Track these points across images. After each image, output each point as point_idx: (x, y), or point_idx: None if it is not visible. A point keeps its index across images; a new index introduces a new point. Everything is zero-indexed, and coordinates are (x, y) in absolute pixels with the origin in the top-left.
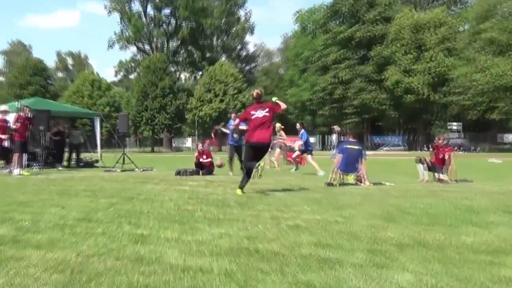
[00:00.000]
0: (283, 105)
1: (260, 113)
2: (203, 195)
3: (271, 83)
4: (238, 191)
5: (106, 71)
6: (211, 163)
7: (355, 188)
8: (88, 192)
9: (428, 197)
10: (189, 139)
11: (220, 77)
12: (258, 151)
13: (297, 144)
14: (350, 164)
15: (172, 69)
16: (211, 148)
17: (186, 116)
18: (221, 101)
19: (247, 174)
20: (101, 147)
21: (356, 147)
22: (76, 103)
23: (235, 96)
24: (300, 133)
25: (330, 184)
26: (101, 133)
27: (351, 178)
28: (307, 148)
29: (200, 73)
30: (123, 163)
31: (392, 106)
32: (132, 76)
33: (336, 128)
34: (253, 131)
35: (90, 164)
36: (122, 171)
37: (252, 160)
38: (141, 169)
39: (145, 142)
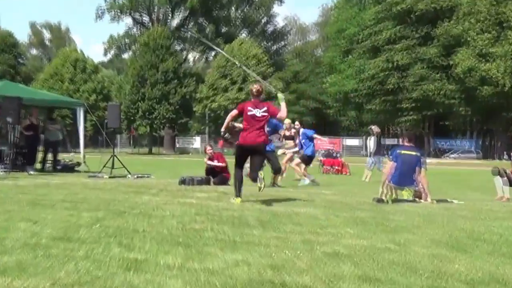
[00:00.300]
0: (284, 112)
1: (258, 112)
2: (214, 211)
3: (305, 67)
4: (237, 200)
5: (92, 48)
6: (226, 169)
7: (413, 206)
8: (67, 203)
9: (508, 220)
10: (198, 139)
11: (240, 58)
12: (255, 155)
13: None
14: (405, 175)
15: (178, 48)
16: (225, 151)
17: (194, 109)
18: (240, 89)
19: (241, 181)
20: (85, 146)
21: (414, 154)
22: (54, 89)
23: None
24: (301, 132)
25: (380, 201)
26: (85, 128)
27: (407, 193)
28: (306, 152)
29: (214, 53)
30: (112, 167)
31: (462, 101)
32: (126, 56)
33: (375, 128)
34: (247, 131)
35: (70, 168)
36: (110, 177)
37: (241, 167)
38: (135, 176)
39: (141, 141)
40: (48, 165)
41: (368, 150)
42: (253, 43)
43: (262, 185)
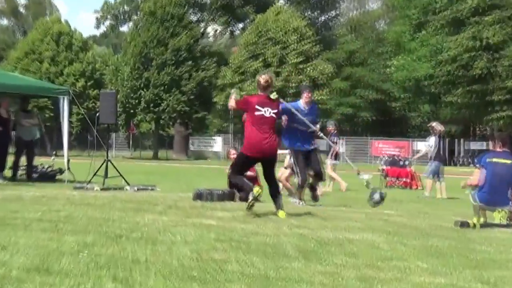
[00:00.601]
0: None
1: (267, 112)
2: (240, 236)
3: (362, 46)
4: (256, 189)
5: (81, 18)
6: (256, 180)
7: (507, 233)
8: (45, 223)
9: None
10: (218, 139)
11: (276, 33)
12: (267, 167)
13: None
14: (497, 191)
15: (193, 18)
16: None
17: (214, 99)
18: (276, 74)
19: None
20: (70, 148)
21: (509, 162)
22: (29, 72)
23: (300, 67)
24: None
25: (463, 224)
26: (71, 124)
27: (499, 215)
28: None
29: (241, 25)
30: (106, 175)
31: None
32: (124, 29)
33: (437, 126)
34: (254, 135)
35: (50, 176)
36: (103, 189)
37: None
38: (136, 188)
39: (144, 141)
40: (21, 172)
41: (428, 154)
42: (294, 13)
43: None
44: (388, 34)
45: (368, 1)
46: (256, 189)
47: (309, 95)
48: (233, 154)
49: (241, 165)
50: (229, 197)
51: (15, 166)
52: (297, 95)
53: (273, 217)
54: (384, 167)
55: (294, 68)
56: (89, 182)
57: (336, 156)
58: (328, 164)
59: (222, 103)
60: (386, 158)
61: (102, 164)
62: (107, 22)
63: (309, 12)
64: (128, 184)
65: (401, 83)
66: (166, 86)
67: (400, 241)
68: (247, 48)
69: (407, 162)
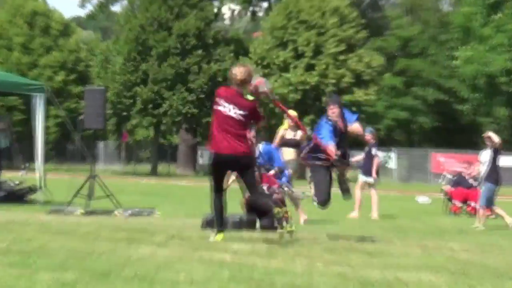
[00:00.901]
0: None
1: (234, 111)
2: (261, 274)
3: (421, 32)
4: (218, 237)
5: None
6: (283, 204)
7: None
8: (14, 255)
9: None
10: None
11: (310, 15)
12: (239, 170)
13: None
14: None
15: None
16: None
17: None
18: (310, 67)
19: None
20: (46, 160)
21: None
22: None
23: (341, 58)
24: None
25: None
26: (47, 129)
27: None
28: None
29: (265, 4)
30: (91, 196)
31: None
32: (116, 8)
33: (493, 137)
34: (219, 135)
35: (19, 195)
36: (87, 213)
37: (220, 189)
38: (129, 212)
39: (140, 152)
40: None
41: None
42: None
43: (289, 228)
44: (454, 17)
45: None
46: (276, 210)
47: (332, 107)
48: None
49: (214, 172)
50: (248, 225)
51: None
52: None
53: (304, 251)
54: (448, 187)
55: (333, 60)
56: (69, 204)
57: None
58: (359, 181)
59: None
60: (450, 176)
61: (86, 181)
62: (95, 0)
63: None
64: (119, 207)
65: (470, 80)
66: (169, 82)
67: (467, 283)
68: (273, 33)
69: (476, 183)
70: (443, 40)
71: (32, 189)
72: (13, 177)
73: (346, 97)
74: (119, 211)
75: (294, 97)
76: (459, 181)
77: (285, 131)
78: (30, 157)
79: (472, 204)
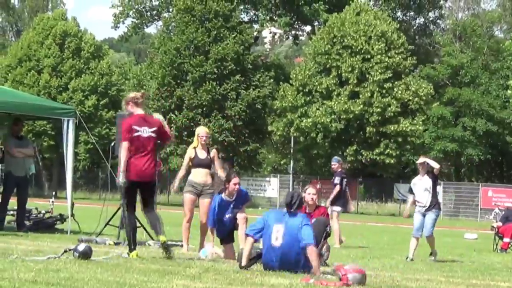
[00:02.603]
0: (171, 135)
1: (145, 131)
2: None
3: (473, 59)
4: (133, 254)
5: (93, 15)
6: (327, 236)
7: None
8: (41, 286)
9: None
10: (274, 181)
11: (355, 40)
12: (145, 192)
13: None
14: None
15: (245, 18)
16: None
17: (269, 128)
18: (354, 94)
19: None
20: (75, 188)
21: None
22: (23, 84)
23: (388, 85)
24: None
25: None
26: (76, 156)
27: None
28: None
29: (308, 28)
30: (122, 226)
31: None
32: (151, 30)
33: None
34: (135, 159)
35: (47, 225)
36: (118, 243)
37: (133, 208)
38: (161, 243)
39: (172, 179)
40: (10, 217)
41: None
42: (379, 13)
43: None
44: (507, 44)
45: (481, 1)
46: (133, 254)
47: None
48: (312, 194)
49: (128, 191)
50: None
51: (2, 210)
52: (381, 124)
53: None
54: (498, 224)
55: (378, 87)
56: (100, 234)
57: (343, 202)
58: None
59: (280, 132)
60: (501, 212)
61: (118, 210)
62: (128, 21)
63: (400, 13)
64: (152, 238)
65: None
66: (205, 108)
67: None
68: (315, 59)
69: None
70: (496, 68)
71: (60, 218)
72: (41, 206)
73: (392, 127)
74: (152, 242)
75: (337, 126)
76: (508, 216)
77: (195, 150)
78: (58, 185)
79: None
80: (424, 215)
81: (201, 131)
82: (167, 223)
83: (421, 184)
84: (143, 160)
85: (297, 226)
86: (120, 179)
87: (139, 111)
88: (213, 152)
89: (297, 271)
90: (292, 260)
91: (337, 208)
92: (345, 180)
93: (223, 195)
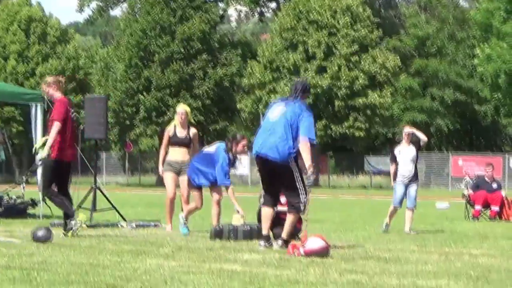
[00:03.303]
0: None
1: (72, 113)
2: (274, 285)
3: (438, 30)
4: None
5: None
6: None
7: None
8: (15, 271)
9: None
10: (245, 159)
11: (321, 15)
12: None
13: None
14: None
15: None
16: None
17: (238, 105)
18: (322, 69)
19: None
20: None
21: None
22: None
23: (354, 59)
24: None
25: None
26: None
27: None
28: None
29: (274, 5)
30: (94, 208)
31: None
32: (116, 12)
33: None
34: (63, 139)
35: (19, 210)
36: (91, 226)
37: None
38: (134, 224)
39: (145, 162)
40: None
41: None
42: None
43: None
44: (473, 14)
45: None
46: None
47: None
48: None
49: (53, 170)
50: (259, 234)
51: None
52: (349, 97)
53: (318, 260)
54: (469, 192)
55: (345, 61)
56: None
57: None
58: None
59: (249, 110)
60: (472, 180)
61: (89, 193)
62: (93, 4)
63: None
64: (124, 219)
65: (491, 78)
66: (173, 89)
67: None
68: (282, 35)
69: (498, 186)
70: (462, 38)
71: (32, 203)
72: (12, 191)
73: (360, 100)
74: (124, 223)
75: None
76: (479, 184)
77: (174, 127)
78: (29, 170)
79: (493, 207)
80: (406, 186)
81: (179, 108)
82: (139, 204)
83: (406, 153)
84: (71, 141)
85: (297, 111)
86: (43, 155)
87: (59, 94)
88: (193, 133)
89: (278, 153)
90: (279, 134)
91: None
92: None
93: (230, 154)
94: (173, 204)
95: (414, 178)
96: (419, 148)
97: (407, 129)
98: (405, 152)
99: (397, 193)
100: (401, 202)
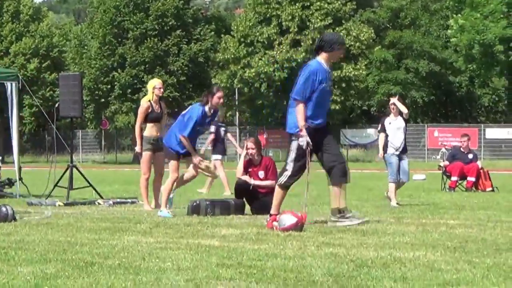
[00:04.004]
0: None
1: None
2: (252, 259)
3: (412, 1)
4: None
5: None
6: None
7: None
8: None
9: None
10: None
11: None
12: None
13: None
14: None
15: None
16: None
17: (213, 80)
18: (296, 43)
19: None
20: (21, 151)
21: None
22: None
23: (329, 31)
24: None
25: None
26: (22, 120)
27: None
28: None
29: None
30: (71, 187)
31: None
32: None
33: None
34: None
35: None
36: (68, 204)
37: None
38: (111, 201)
39: (121, 140)
40: None
41: None
42: None
43: None
44: None
45: None
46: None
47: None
48: (251, 149)
49: None
50: (237, 209)
51: None
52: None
53: (296, 234)
54: (445, 163)
55: (319, 34)
56: (49, 196)
57: (222, 149)
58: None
59: (224, 84)
60: (448, 151)
61: (65, 171)
62: None
63: None
64: (101, 197)
65: (465, 49)
66: (147, 65)
67: (466, 260)
68: (255, 9)
69: (473, 156)
70: (435, 9)
71: (8, 182)
72: None
73: (335, 73)
74: (101, 201)
75: (280, 75)
76: (455, 155)
77: (150, 103)
78: (4, 150)
79: (469, 178)
80: (400, 159)
81: (157, 82)
82: (116, 181)
83: (396, 124)
84: None
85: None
86: None
87: None
88: (164, 107)
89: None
90: None
91: (218, 156)
92: (222, 129)
93: (206, 107)
94: (148, 183)
95: (405, 150)
96: (405, 120)
97: (392, 99)
98: (395, 122)
99: (394, 166)
100: (398, 174)
